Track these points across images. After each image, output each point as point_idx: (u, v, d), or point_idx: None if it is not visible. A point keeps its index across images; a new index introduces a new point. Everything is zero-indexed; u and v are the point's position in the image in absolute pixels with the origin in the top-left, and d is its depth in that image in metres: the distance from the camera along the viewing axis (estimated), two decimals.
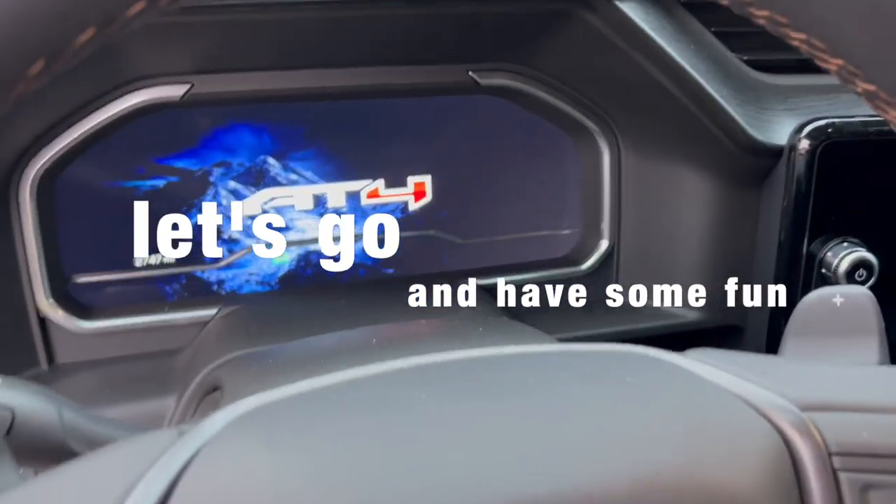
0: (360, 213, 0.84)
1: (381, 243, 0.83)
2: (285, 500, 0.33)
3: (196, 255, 0.80)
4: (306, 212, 0.82)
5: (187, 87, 0.72)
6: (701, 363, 0.44)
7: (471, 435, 0.36)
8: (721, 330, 0.85)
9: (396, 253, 0.86)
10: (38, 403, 0.47)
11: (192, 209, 0.79)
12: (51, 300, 0.74)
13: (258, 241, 0.81)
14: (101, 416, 0.50)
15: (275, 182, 0.81)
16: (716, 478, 0.35)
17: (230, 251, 0.81)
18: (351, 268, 0.85)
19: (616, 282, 0.89)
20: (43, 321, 0.75)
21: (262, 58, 0.73)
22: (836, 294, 0.49)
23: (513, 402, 0.38)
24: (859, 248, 0.75)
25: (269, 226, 0.81)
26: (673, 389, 0.41)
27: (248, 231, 0.81)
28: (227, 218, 0.80)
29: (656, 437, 0.36)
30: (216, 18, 0.67)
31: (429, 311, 0.77)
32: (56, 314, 0.75)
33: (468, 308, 0.78)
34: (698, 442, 0.37)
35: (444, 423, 0.36)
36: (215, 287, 0.82)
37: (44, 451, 0.46)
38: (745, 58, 0.78)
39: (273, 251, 0.81)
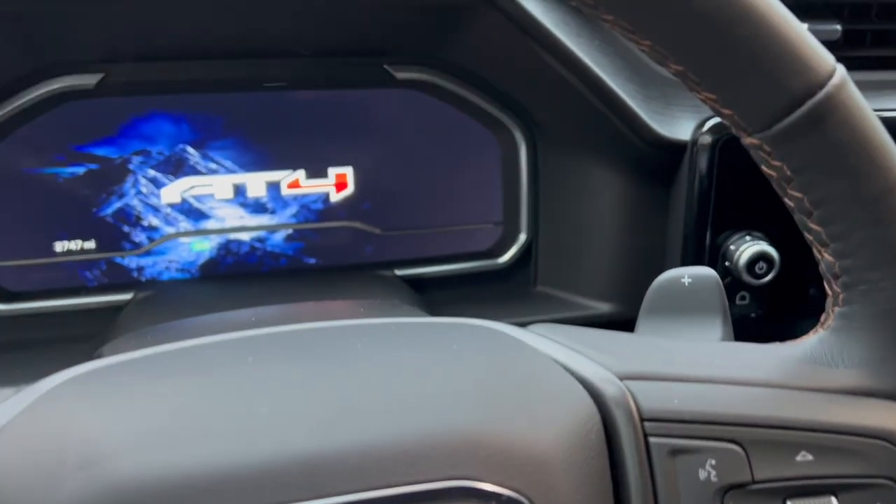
0: (281, 204, 0.86)
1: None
2: (85, 450, 0.34)
3: (116, 241, 0.82)
4: (226, 201, 0.84)
5: (101, 75, 0.75)
6: (537, 336, 0.46)
7: (276, 394, 0.38)
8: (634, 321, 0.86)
9: (318, 243, 0.88)
10: None
11: (111, 196, 0.81)
12: None
13: (177, 228, 0.83)
14: None
15: (194, 171, 0.83)
16: (513, 434, 0.37)
17: (150, 239, 0.83)
18: (272, 257, 0.87)
19: (535, 274, 0.91)
20: None
21: (175, 48, 0.75)
22: (685, 275, 0.51)
23: (331, 366, 0.40)
24: (760, 242, 0.77)
25: (189, 214, 0.83)
26: (496, 356, 0.43)
27: (167, 219, 0.83)
28: (147, 205, 0.82)
29: (460, 396, 0.38)
30: (128, 6, 0.69)
31: (340, 299, 0.79)
32: None
33: (378, 295, 0.80)
34: (502, 401, 0.39)
35: (255, 383, 0.38)
36: (135, 274, 0.84)
37: None
38: None
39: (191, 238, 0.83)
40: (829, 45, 0.82)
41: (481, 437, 0.37)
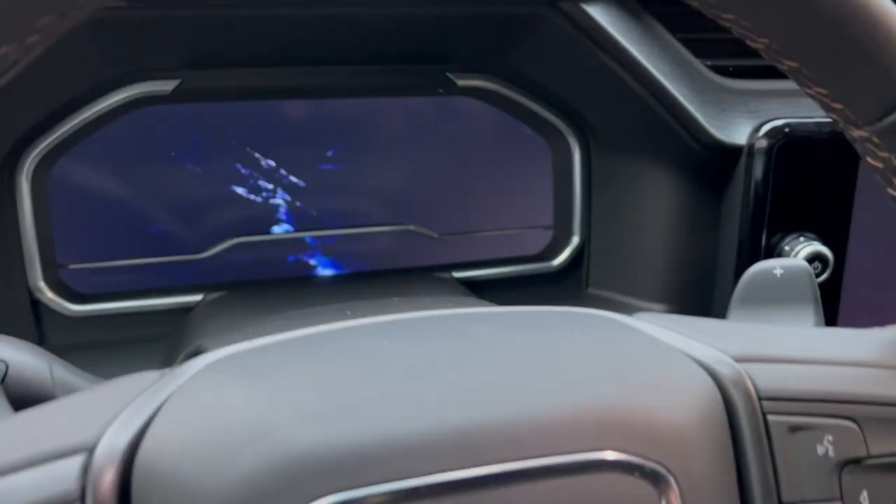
0: (342, 207, 0.88)
1: None
2: (254, 423, 0.36)
3: (184, 245, 0.84)
4: (289, 204, 0.86)
5: (177, 81, 0.76)
6: (649, 323, 0.48)
7: (424, 372, 0.39)
8: None
9: (378, 246, 0.90)
10: (31, 358, 0.50)
11: (179, 200, 0.83)
12: (42, 284, 0.78)
13: (243, 231, 0.85)
14: (89, 375, 0.53)
15: (260, 175, 0.84)
16: (651, 411, 0.39)
17: (217, 241, 0.84)
18: (334, 260, 0.89)
19: (587, 276, 0.93)
20: (35, 304, 0.78)
21: (247, 55, 0.77)
22: (777, 266, 0.53)
23: (467, 346, 0.42)
24: (814, 242, 0.80)
25: (254, 218, 0.85)
26: (618, 340, 0.44)
27: (233, 223, 0.85)
28: (214, 209, 0.84)
29: (598, 374, 0.40)
30: (202, 14, 0.71)
31: (405, 298, 0.80)
32: (47, 297, 0.78)
33: (441, 295, 0.81)
34: (637, 380, 0.40)
35: (400, 362, 0.40)
36: (203, 276, 0.85)
37: (36, 402, 0.49)
38: (708, 63, 0.83)
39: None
40: None
41: (623, 413, 0.38)
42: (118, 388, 0.41)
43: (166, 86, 0.77)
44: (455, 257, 0.92)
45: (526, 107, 0.86)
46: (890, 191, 0.45)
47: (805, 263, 0.53)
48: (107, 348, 0.81)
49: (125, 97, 0.76)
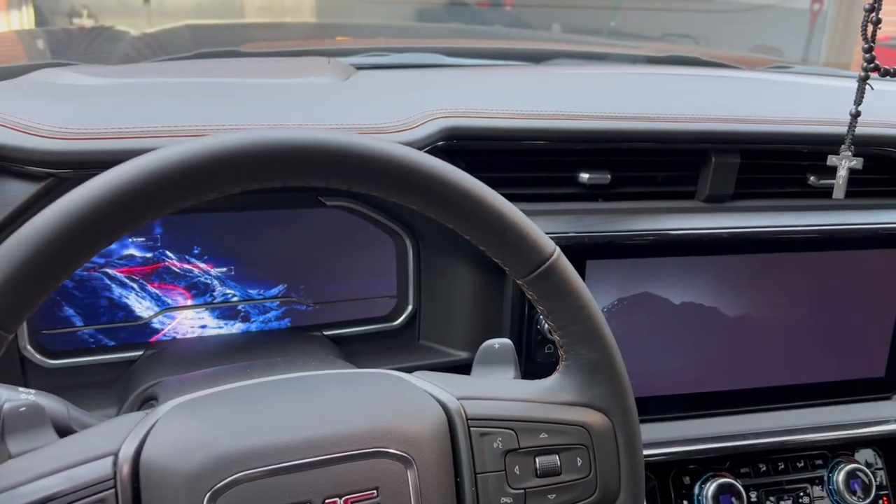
0: (245, 287, 1.22)
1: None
2: (201, 437, 0.70)
3: (127, 315, 1.15)
4: (207, 285, 1.19)
5: None
6: (417, 378, 0.85)
7: (286, 410, 0.74)
8: None
9: (269, 312, 1.24)
10: (55, 403, 0.82)
11: (123, 288, 1.14)
12: (28, 346, 1.08)
13: (173, 303, 1.17)
14: (89, 413, 0.85)
15: (189, 264, 1.17)
16: (403, 424, 0.75)
17: (152, 312, 1.16)
18: (239, 322, 1.22)
19: (419, 332, 1.30)
20: (22, 360, 1.08)
21: None
22: (496, 343, 0.91)
23: (307, 396, 0.77)
24: None
25: (181, 293, 1.17)
26: (392, 388, 0.80)
27: (165, 297, 1.17)
28: (147, 291, 1.16)
29: (377, 406, 0.76)
30: None
31: (291, 352, 1.15)
32: (31, 355, 1.08)
33: (314, 351, 1.17)
34: (398, 409, 0.77)
35: (276, 402, 0.75)
36: (143, 336, 1.17)
37: (60, 430, 0.81)
38: None
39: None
40: (602, 186, 1.26)
41: (387, 428, 0.74)
42: (124, 420, 0.74)
43: None
44: (326, 319, 1.27)
45: (376, 218, 1.22)
46: (538, 309, 0.83)
47: (510, 342, 0.91)
48: (73, 390, 1.11)
49: None
